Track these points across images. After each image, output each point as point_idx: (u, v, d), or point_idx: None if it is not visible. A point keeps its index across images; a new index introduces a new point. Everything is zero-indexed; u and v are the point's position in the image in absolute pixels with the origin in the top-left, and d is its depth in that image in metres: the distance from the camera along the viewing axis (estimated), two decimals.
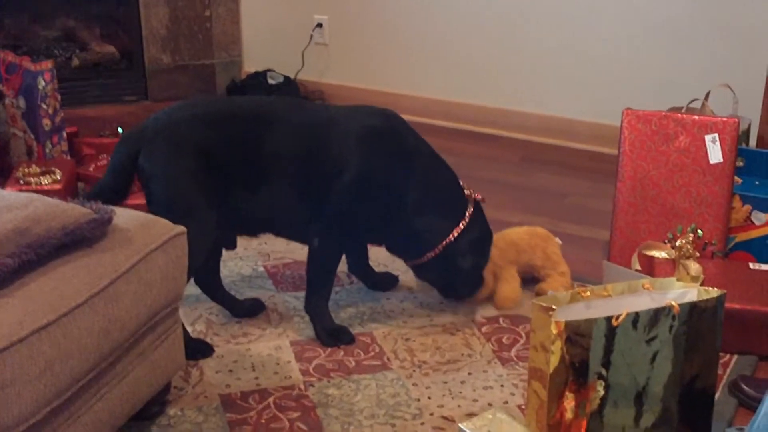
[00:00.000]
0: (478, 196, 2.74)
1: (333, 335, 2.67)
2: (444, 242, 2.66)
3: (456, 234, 2.66)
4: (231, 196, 2.54)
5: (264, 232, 2.76)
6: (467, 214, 2.68)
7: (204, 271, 2.70)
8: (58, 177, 3.36)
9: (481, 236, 2.74)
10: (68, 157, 3.72)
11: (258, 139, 2.54)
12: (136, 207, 2.27)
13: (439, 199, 2.68)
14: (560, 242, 2.97)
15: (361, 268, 2.96)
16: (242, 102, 2.84)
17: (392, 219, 2.63)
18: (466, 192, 2.72)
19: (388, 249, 2.79)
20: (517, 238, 2.94)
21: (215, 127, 2.54)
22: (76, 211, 1.97)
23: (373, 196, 2.59)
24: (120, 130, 3.83)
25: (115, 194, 2.52)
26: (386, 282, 2.99)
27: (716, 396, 2.22)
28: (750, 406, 2.33)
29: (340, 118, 2.63)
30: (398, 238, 2.70)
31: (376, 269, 2.99)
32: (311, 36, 4.84)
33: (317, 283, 2.69)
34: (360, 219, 2.62)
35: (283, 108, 2.66)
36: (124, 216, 2.11)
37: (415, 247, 2.70)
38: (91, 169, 3.62)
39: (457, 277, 2.75)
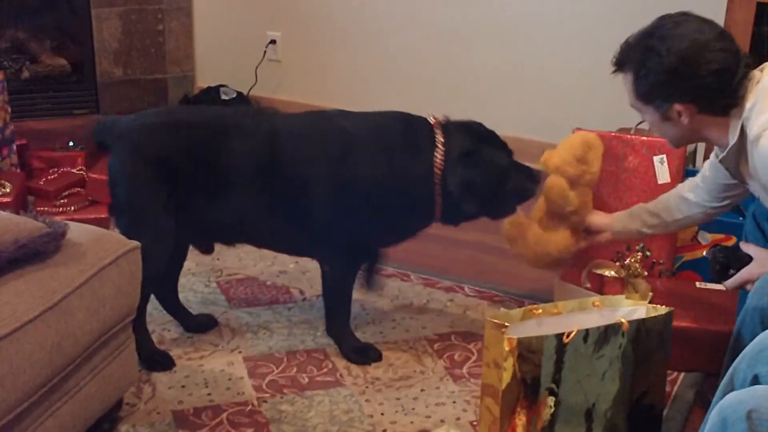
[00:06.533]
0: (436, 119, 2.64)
1: (360, 353, 2.68)
2: (436, 181, 2.53)
3: (439, 161, 2.55)
4: (197, 205, 2.53)
5: (240, 241, 2.75)
6: (438, 141, 2.57)
7: (162, 280, 2.68)
8: (8, 190, 3.34)
9: (471, 147, 2.63)
10: (18, 170, 3.68)
11: (220, 148, 2.53)
12: (92, 221, 2.26)
13: (405, 159, 2.56)
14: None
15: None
16: (208, 111, 2.82)
17: (381, 212, 2.56)
18: (431, 121, 2.63)
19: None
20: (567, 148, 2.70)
21: (179, 135, 2.54)
22: (29, 225, 1.96)
23: (356, 199, 2.54)
24: (71, 143, 3.80)
25: None
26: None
27: (664, 412, 2.26)
28: None
29: (298, 127, 2.60)
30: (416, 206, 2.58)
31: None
32: (264, 52, 4.84)
33: (335, 306, 2.72)
34: (355, 224, 2.58)
35: (245, 117, 2.65)
36: (77, 230, 2.10)
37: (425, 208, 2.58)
38: (41, 182, 3.59)
39: (487, 194, 2.58)
